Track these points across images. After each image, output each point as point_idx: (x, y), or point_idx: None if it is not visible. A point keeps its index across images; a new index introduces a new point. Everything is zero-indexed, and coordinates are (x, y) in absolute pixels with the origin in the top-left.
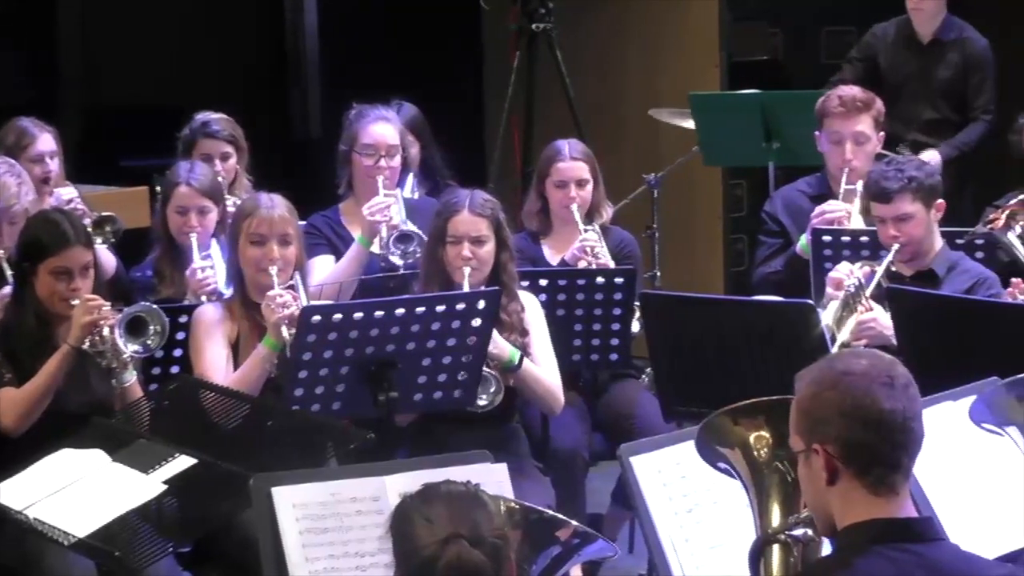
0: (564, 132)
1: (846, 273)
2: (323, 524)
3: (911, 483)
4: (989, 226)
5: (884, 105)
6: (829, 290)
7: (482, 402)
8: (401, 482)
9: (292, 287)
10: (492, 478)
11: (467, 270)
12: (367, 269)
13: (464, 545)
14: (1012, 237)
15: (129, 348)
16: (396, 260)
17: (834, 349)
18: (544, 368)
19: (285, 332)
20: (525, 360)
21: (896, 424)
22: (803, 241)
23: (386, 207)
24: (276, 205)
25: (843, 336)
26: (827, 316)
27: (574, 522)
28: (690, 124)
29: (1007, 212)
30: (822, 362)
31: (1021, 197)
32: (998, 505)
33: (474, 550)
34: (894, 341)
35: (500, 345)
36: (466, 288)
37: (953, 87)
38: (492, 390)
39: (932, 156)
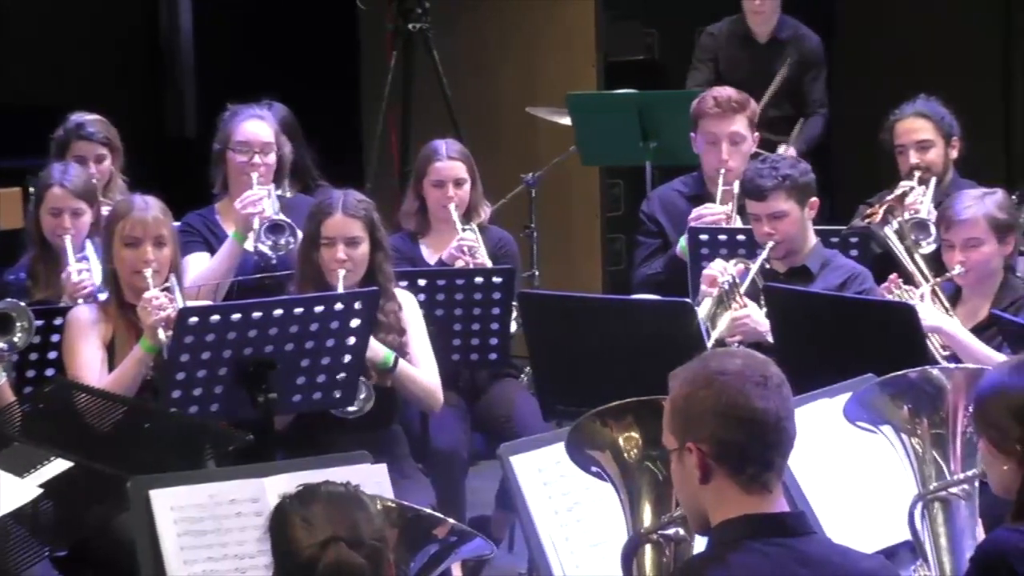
0: (442, 132)
1: (720, 270)
2: (201, 526)
3: (788, 479)
4: (866, 220)
5: None
6: (703, 287)
7: (352, 408)
8: (280, 483)
9: (168, 289)
10: (372, 479)
11: (342, 272)
12: (241, 267)
13: (343, 548)
14: (889, 232)
15: None
16: (267, 251)
17: (710, 344)
18: (422, 367)
19: (162, 334)
20: (401, 361)
21: (769, 423)
22: (682, 242)
23: (258, 199)
24: (150, 207)
25: (718, 333)
26: (701, 312)
27: (451, 520)
28: (567, 123)
29: (885, 207)
30: (696, 361)
31: (897, 193)
32: (875, 501)
33: (353, 552)
34: (769, 338)
35: (375, 348)
36: (340, 290)
37: (789, 84)
38: (362, 396)
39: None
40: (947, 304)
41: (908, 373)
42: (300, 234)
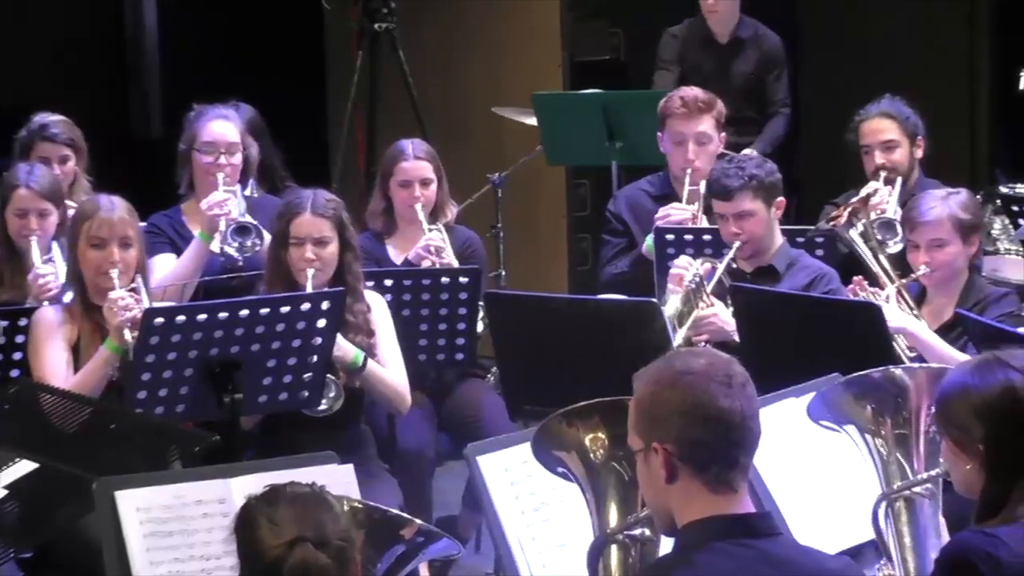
0: (408, 132)
1: (685, 266)
2: (167, 527)
3: (755, 479)
4: (831, 223)
5: None
6: (670, 285)
7: (322, 407)
8: (247, 484)
9: (134, 290)
10: (339, 479)
11: (311, 272)
12: (207, 267)
13: (309, 548)
14: (854, 234)
15: None
16: (233, 252)
17: (676, 343)
18: (390, 368)
19: (128, 335)
20: (370, 361)
21: (734, 422)
22: (649, 241)
23: (224, 201)
24: (116, 207)
25: (684, 331)
26: (668, 310)
27: (418, 521)
28: (533, 123)
29: (849, 209)
30: (660, 361)
31: (862, 195)
32: (842, 501)
33: (319, 552)
34: (735, 337)
35: (343, 347)
36: (309, 289)
37: (751, 84)
38: (332, 395)
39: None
40: (912, 305)
41: (871, 373)
42: (266, 235)
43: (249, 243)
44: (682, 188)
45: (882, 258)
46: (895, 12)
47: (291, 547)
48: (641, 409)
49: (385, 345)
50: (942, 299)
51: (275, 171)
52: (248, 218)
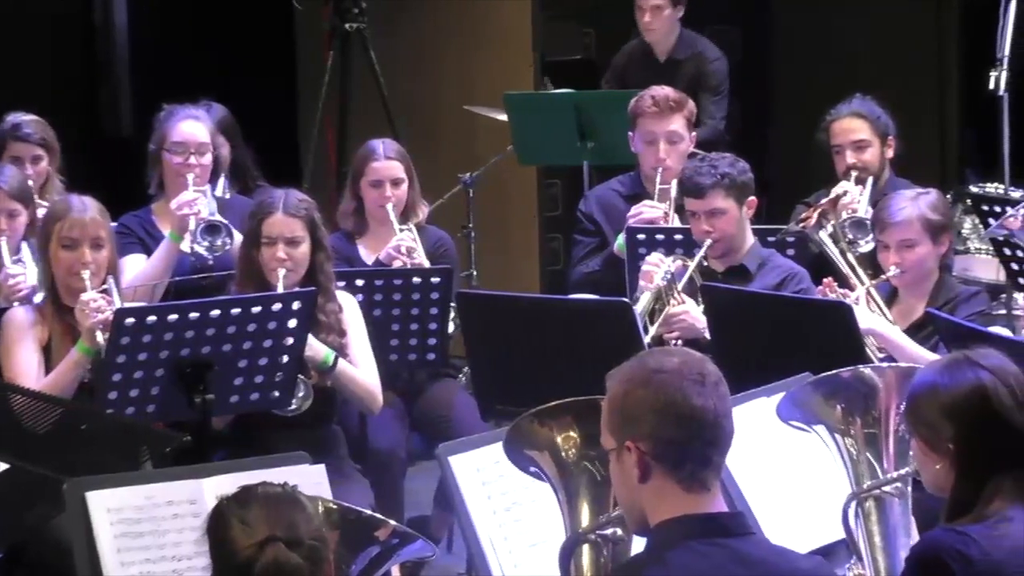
0: (379, 132)
1: (656, 262)
2: (139, 528)
3: (726, 478)
4: (801, 224)
5: None
6: (641, 283)
7: (291, 407)
8: (218, 485)
9: (106, 291)
10: (310, 479)
11: (282, 272)
12: (177, 268)
13: (281, 548)
14: (823, 235)
15: None
16: (203, 252)
17: (647, 341)
18: (362, 368)
19: (100, 337)
20: (341, 361)
21: (707, 421)
22: (620, 241)
23: (194, 200)
24: (88, 208)
25: (655, 329)
26: (639, 306)
27: (392, 522)
28: (505, 122)
29: (819, 211)
30: (633, 360)
31: (832, 196)
32: (813, 500)
33: (291, 552)
34: (707, 334)
35: (315, 347)
36: (280, 289)
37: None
38: (301, 395)
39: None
40: (883, 306)
41: (840, 373)
42: (236, 235)
43: (219, 242)
44: (653, 187)
45: (852, 259)
46: (865, 13)
47: (263, 547)
48: (614, 408)
49: (357, 345)
50: (913, 299)
51: (247, 171)
52: (218, 217)
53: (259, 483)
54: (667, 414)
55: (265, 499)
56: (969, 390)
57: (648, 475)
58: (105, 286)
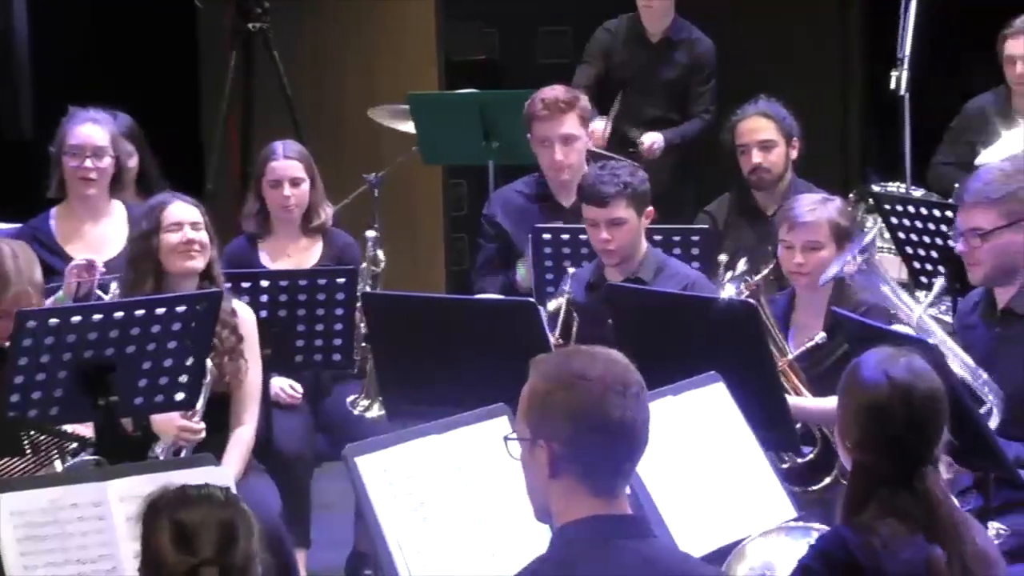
0: (283, 133)
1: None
2: (43, 531)
3: (633, 478)
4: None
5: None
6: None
7: (197, 408)
8: (123, 487)
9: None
10: (216, 481)
11: (194, 255)
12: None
13: (214, 572)
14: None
15: None
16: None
17: (553, 340)
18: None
19: None
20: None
21: (624, 433)
22: (522, 271)
23: (88, 267)
24: None
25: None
26: (550, 306)
27: None
28: (409, 124)
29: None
30: (561, 356)
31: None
32: (720, 497)
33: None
34: None
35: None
36: (200, 267)
37: (677, 86)
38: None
39: (656, 138)
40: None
41: None
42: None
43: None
44: (556, 188)
45: (777, 333)
46: (768, 15)
47: (196, 570)
48: (533, 403)
49: (251, 357)
50: (809, 317)
51: (152, 179)
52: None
53: (202, 488)
54: (583, 423)
55: (205, 516)
56: (869, 403)
57: (558, 475)
58: None
